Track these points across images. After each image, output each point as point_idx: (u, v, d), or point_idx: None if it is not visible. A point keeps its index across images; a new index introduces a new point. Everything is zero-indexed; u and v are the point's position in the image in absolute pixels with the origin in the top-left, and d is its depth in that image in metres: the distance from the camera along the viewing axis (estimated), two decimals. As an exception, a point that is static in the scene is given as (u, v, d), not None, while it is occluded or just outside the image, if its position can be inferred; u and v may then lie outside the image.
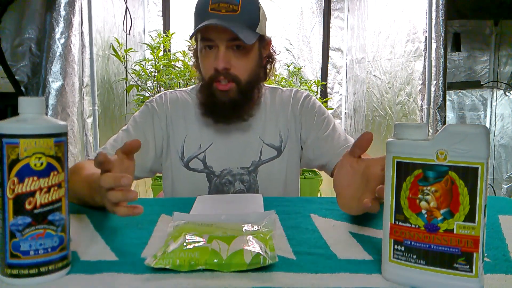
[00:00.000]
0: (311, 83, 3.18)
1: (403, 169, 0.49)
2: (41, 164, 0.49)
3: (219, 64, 0.98)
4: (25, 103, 0.50)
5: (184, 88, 1.20)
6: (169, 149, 1.11)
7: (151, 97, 1.17)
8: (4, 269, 0.49)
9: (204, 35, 1.00)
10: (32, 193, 0.49)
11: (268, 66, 1.14)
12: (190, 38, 1.03)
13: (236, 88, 1.02)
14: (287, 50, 3.37)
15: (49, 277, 0.50)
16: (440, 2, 2.17)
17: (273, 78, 1.20)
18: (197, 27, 0.96)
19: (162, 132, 1.11)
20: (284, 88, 1.20)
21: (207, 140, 1.10)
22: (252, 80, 1.06)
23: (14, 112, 0.51)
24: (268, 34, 1.10)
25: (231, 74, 1.01)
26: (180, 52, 2.65)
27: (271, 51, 1.13)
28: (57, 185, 0.50)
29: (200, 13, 0.99)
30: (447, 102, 3.03)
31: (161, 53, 2.73)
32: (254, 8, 1.01)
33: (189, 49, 1.18)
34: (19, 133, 0.48)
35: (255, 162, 1.10)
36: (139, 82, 2.59)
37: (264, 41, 1.08)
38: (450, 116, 3.25)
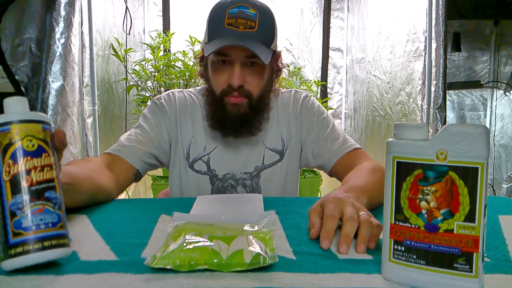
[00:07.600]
0: (311, 83, 3.18)
1: (403, 169, 0.49)
2: (33, 145, 0.51)
3: (235, 81, 0.97)
4: (9, 102, 0.53)
5: (190, 89, 1.19)
6: (177, 147, 1.11)
7: (159, 95, 1.17)
8: (7, 251, 0.49)
9: (219, 50, 0.97)
10: (27, 172, 0.50)
11: (276, 79, 1.12)
12: (207, 55, 0.98)
13: (248, 103, 1.01)
14: (287, 50, 3.37)
15: (54, 253, 0.50)
16: (440, 2, 2.17)
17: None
18: (217, 48, 0.93)
19: (171, 130, 1.11)
20: (283, 90, 1.20)
21: (212, 143, 1.10)
22: (263, 95, 1.05)
23: None
24: None
25: (245, 90, 0.99)
26: (180, 52, 2.65)
27: (279, 64, 1.12)
28: (49, 166, 0.52)
29: (216, 26, 0.97)
30: (447, 102, 3.03)
31: (161, 53, 2.73)
32: (270, 24, 1.00)
33: (195, 57, 1.17)
34: (9, 120, 0.51)
35: (258, 167, 1.10)
36: (139, 82, 2.59)
37: (275, 55, 1.06)
38: (450, 116, 3.24)
